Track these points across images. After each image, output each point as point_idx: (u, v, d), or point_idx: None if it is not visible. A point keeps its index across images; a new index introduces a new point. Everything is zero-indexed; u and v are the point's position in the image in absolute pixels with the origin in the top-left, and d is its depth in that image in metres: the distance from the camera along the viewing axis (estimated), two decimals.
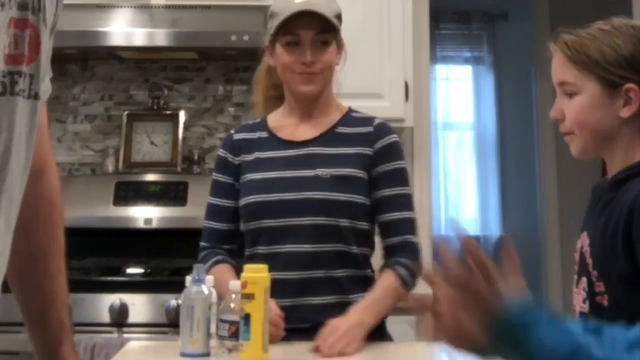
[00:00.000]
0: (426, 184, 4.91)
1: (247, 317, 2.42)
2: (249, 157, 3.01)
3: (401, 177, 3.03)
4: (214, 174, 3.11)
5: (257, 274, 2.45)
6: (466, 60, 8.05)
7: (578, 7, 6.83)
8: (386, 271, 2.91)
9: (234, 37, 4.53)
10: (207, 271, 2.84)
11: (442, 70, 7.99)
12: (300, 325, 2.83)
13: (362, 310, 2.78)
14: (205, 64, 5.17)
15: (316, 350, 2.65)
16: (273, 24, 2.98)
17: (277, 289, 2.73)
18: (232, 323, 2.54)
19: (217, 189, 3.07)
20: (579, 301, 2.20)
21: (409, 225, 2.98)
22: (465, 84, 8.04)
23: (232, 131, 3.16)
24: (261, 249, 2.91)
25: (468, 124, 7.99)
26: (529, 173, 7.54)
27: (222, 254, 3.00)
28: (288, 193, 2.90)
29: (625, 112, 2.14)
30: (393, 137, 3.05)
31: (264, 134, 3.05)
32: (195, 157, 5.05)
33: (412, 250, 2.95)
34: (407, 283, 2.87)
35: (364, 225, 2.97)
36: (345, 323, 2.70)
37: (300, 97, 3.02)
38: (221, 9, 4.65)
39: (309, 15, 2.88)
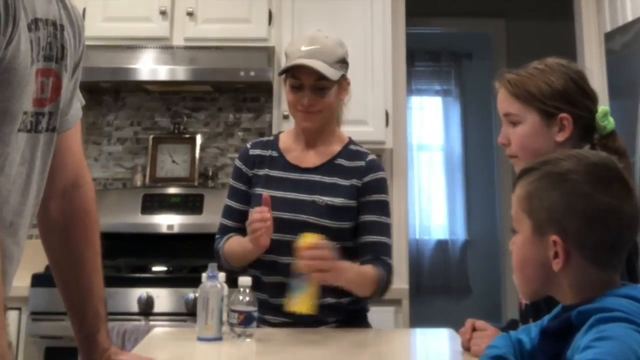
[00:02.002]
0: (403, 196, 4.90)
1: (303, 276, 2.46)
2: (261, 172, 2.93)
3: (383, 208, 2.91)
4: (231, 180, 3.02)
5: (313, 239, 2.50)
6: (437, 93, 8.07)
7: (531, 47, 6.84)
8: (369, 265, 2.79)
9: (242, 73, 4.54)
10: (224, 246, 2.90)
11: (416, 101, 8.01)
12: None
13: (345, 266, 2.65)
14: (218, 96, 5.17)
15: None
16: (285, 65, 2.91)
17: (276, 292, 2.75)
18: (240, 312, 2.53)
19: (232, 194, 2.98)
20: None
21: (385, 248, 2.86)
22: (436, 112, 8.05)
23: (248, 145, 3.05)
24: (263, 257, 2.79)
25: (438, 146, 8.00)
26: (490, 187, 7.55)
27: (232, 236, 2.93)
28: (287, 213, 2.81)
29: (560, 137, 2.16)
30: (381, 174, 2.95)
31: (274, 153, 2.97)
32: (210, 173, 5.04)
33: (386, 267, 2.81)
34: (380, 285, 2.77)
35: (350, 244, 2.84)
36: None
37: (302, 130, 2.97)
38: (231, 49, 4.66)
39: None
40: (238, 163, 3.01)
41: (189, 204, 4.82)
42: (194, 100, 5.19)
